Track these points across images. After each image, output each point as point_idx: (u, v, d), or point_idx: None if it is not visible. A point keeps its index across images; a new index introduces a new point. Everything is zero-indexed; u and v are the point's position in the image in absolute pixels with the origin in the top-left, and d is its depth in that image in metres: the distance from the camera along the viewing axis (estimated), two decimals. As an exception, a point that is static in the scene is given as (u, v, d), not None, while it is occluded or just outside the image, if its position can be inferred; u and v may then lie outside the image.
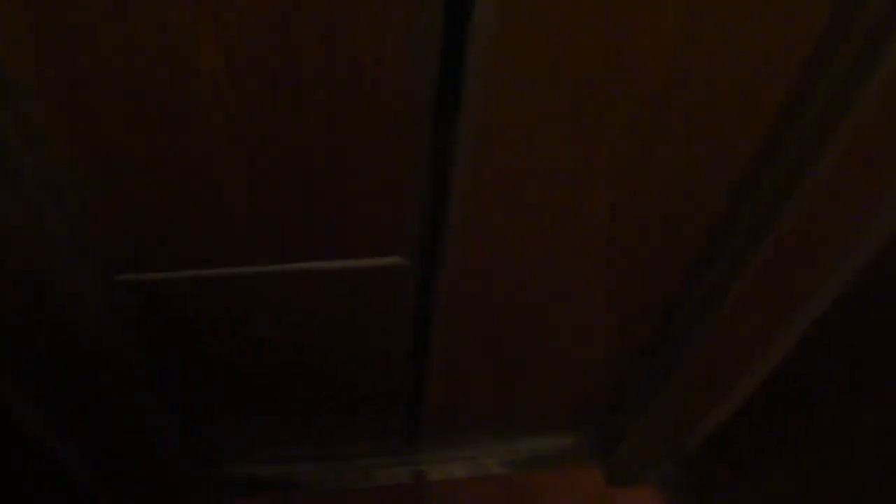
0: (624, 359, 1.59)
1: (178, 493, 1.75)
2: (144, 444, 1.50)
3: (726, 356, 1.41)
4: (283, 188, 0.99)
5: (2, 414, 1.23)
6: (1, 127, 0.83)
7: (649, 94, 0.91)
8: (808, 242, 1.11)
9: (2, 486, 1.30)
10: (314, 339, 1.36)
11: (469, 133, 0.93)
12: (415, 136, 0.94)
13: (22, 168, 0.88)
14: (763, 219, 1.08)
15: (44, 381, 1.24)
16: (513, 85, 0.88)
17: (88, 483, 1.54)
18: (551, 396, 1.75)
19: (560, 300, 1.34)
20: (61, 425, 1.36)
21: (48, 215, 0.95)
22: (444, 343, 1.39)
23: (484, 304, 1.31)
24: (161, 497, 1.75)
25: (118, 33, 0.77)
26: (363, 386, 1.57)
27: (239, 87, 0.83)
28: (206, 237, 1.06)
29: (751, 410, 1.57)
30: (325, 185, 0.99)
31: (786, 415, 1.47)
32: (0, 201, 0.89)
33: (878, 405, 1.23)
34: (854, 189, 1.00)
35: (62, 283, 1.04)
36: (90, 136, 0.88)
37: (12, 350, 1.15)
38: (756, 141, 1.01)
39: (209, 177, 0.95)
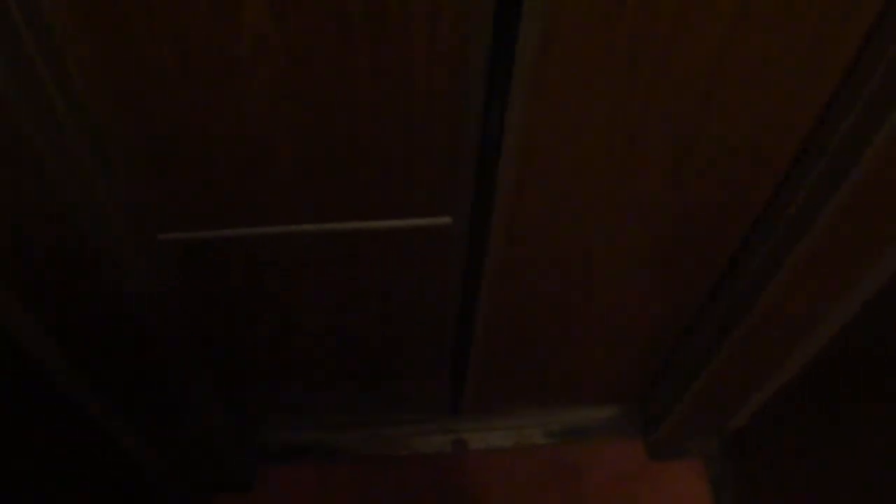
0: (670, 332, 1.57)
1: (220, 458, 1.76)
2: (186, 407, 1.50)
3: (774, 333, 1.39)
4: (330, 145, 0.97)
5: (43, 375, 1.23)
6: (42, 83, 0.81)
7: (705, 57, 0.88)
8: (864, 218, 1.08)
9: (47, 451, 1.30)
10: (359, 303, 1.35)
11: (522, 90, 0.91)
12: (467, 93, 0.92)
13: (65, 126, 0.86)
14: (819, 194, 1.05)
15: (86, 342, 1.23)
16: (568, 39, 0.85)
17: (131, 448, 1.55)
18: (595, 368, 1.73)
19: (607, 270, 1.32)
20: (104, 388, 1.36)
21: (92, 173, 0.94)
22: (490, 309, 1.37)
23: (531, 270, 1.29)
24: (203, 461, 1.75)
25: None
26: (407, 352, 1.56)
27: (285, 40, 0.82)
28: (250, 195, 1.05)
29: (797, 388, 1.55)
30: (373, 142, 0.97)
31: (833, 394, 1.45)
32: (44, 161, 0.88)
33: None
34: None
35: (106, 242, 1.03)
36: (133, 92, 0.86)
37: (56, 312, 1.15)
38: (815, 110, 0.98)
39: (254, 133, 0.93)
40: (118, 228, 1.03)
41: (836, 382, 1.42)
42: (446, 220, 1.13)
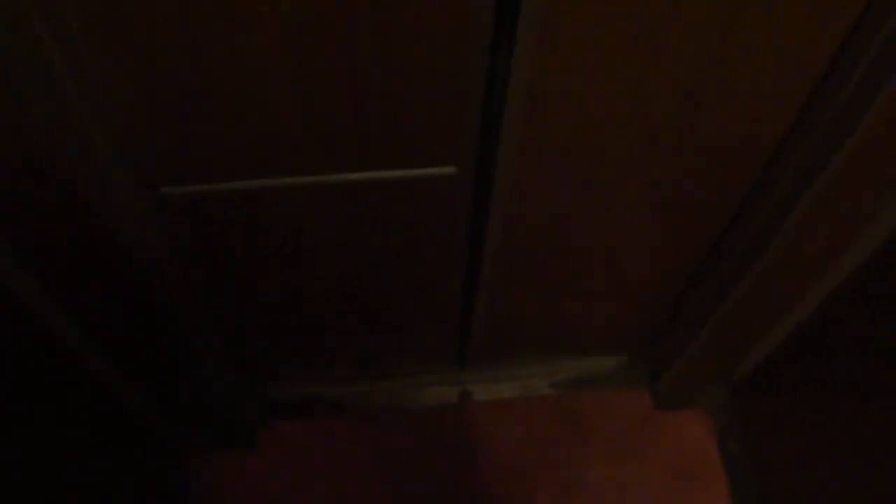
0: (677, 280, 1.57)
1: (224, 414, 1.76)
2: (190, 363, 1.50)
3: (782, 281, 1.38)
4: (334, 93, 0.95)
5: (47, 333, 1.23)
6: (38, 37, 0.80)
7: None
8: (880, 158, 1.07)
9: (47, 407, 1.30)
10: (365, 255, 1.34)
11: (529, 37, 0.89)
12: (472, 39, 0.90)
13: (65, 81, 0.85)
14: (829, 140, 1.04)
15: (88, 298, 1.23)
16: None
17: (133, 404, 1.55)
18: (601, 318, 1.73)
19: (614, 218, 1.31)
20: (107, 345, 1.35)
21: (90, 127, 0.92)
22: (496, 259, 1.37)
23: (536, 220, 1.28)
24: (209, 418, 1.76)
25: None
26: (413, 304, 1.56)
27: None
28: (253, 146, 1.03)
29: (803, 336, 1.55)
30: (378, 90, 0.95)
31: (840, 342, 1.45)
32: (41, 115, 0.86)
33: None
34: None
35: (106, 197, 1.02)
36: (130, 39, 0.84)
37: (57, 268, 1.14)
38: (831, 47, 0.96)
39: (257, 81, 0.92)
40: (119, 183, 1.02)
41: (844, 330, 1.42)
42: (451, 169, 1.11)
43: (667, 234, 1.38)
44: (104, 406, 1.47)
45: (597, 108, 1.03)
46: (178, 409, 1.70)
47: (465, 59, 0.93)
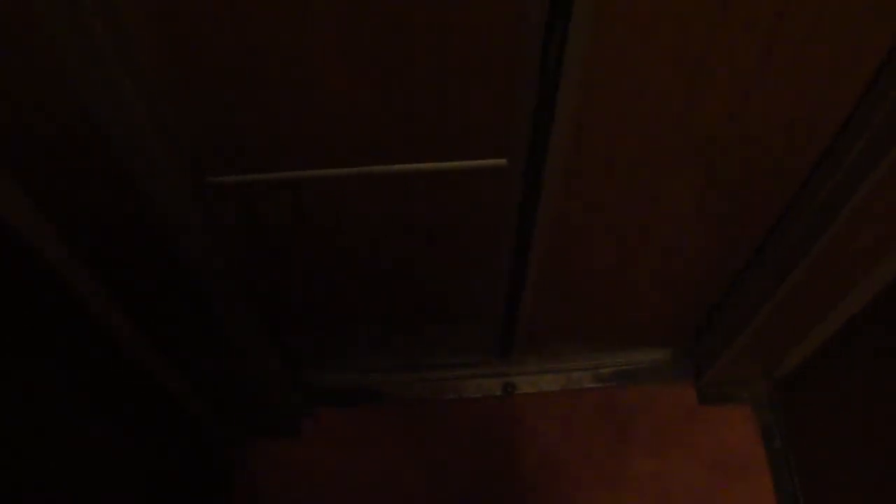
0: (725, 275, 1.55)
1: (268, 402, 1.78)
2: (235, 351, 1.51)
3: (828, 278, 1.37)
4: (386, 84, 0.95)
5: (100, 323, 1.24)
6: (91, 27, 0.80)
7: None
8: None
9: (96, 395, 1.32)
10: (412, 245, 1.34)
11: (581, 30, 0.88)
12: (525, 33, 0.89)
13: (112, 69, 0.85)
14: (879, 140, 1.02)
15: (137, 287, 1.24)
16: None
17: (178, 391, 1.56)
18: (646, 312, 1.72)
19: (661, 214, 1.30)
20: (155, 334, 1.37)
21: (139, 115, 0.93)
22: (544, 252, 1.36)
23: (586, 213, 1.27)
24: (251, 406, 1.77)
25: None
26: (460, 295, 1.55)
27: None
28: (302, 136, 1.03)
29: (849, 334, 1.53)
30: (430, 80, 0.95)
31: (885, 340, 1.43)
32: (92, 103, 0.87)
33: None
34: None
35: (154, 185, 1.03)
36: (180, 26, 0.85)
37: (105, 257, 1.15)
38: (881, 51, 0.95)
39: (308, 67, 0.91)
40: (167, 171, 1.03)
41: (891, 328, 1.40)
42: (502, 161, 1.11)
43: (715, 231, 1.36)
44: (150, 394, 1.49)
45: (645, 105, 1.02)
46: (223, 398, 1.71)
47: (517, 54, 0.92)
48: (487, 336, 1.79)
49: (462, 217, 1.26)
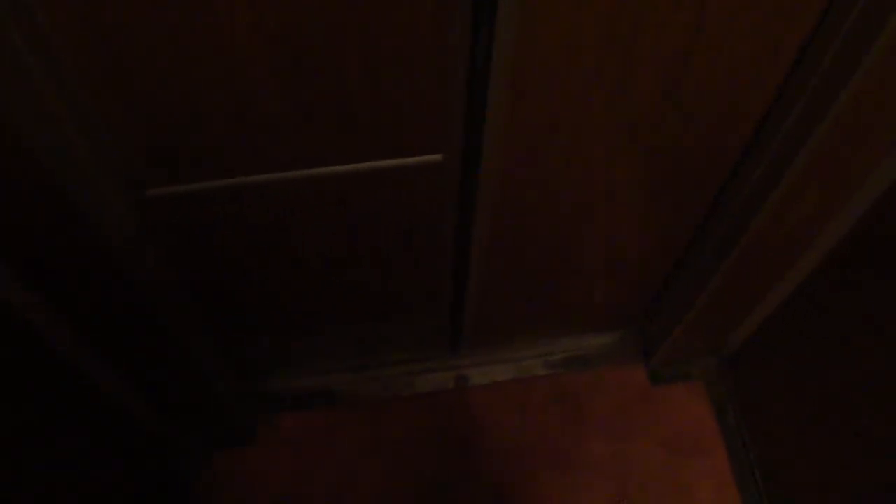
0: (668, 254, 1.57)
1: (221, 412, 1.76)
2: (186, 361, 1.49)
3: (770, 250, 1.38)
4: (317, 85, 0.94)
5: (36, 335, 1.22)
6: (15, 46, 0.79)
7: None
8: (861, 130, 1.07)
9: (43, 411, 1.30)
10: (353, 246, 1.33)
11: (509, 19, 0.88)
12: (453, 27, 0.90)
13: (44, 90, 0.84)
14: (818, 101, 1.04)
15: (79, 301, 1.22)
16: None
17: (129, 405, 1.54)
18: (593, 296, 1.73)
19: (602, 196, 1.31)
20: (101, 347, 1.35)
21: (74, 134, 0.92)
22: (486, 243, 1.36)
23: (525, 201, 1.27)
24: (205, 414, 1.75)
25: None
26: (405, 292, 1.55)
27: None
28: (237, 144, 1.03)
29: (794, 307, 1.55)
30: (359, 79, 0.95)
31: (829, 311, 1.45)
32: (23, 123, 0.85)
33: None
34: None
35: (94, 201, 1.01)
36: (108, 43, 0.84)
37: (48, 273, 1.13)
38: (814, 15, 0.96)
39: (238, 74, 0.91)
40: (104, 186, 1.01)
41: (835, 296, 1.42)
42: (437, 157, 1.11)
43: (656, 210, 1.38)
44: (102, 409, 1.47)
45: (577, 90, 1.02)
46: (178, 410, 1.69)
47: (446, 48, 0.92)
48: (437, 330, 1.79)
49: (403, 214, 1.25)
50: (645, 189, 1.30)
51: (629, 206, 1.35)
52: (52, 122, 0.89)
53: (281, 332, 1.67)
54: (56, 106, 0.88)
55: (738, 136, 1.18)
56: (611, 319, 1.89)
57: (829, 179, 1.19)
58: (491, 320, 1.74)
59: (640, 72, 1.01)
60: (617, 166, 1.22)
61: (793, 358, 1.62)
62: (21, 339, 1.17)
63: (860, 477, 1.41)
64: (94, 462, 1.47)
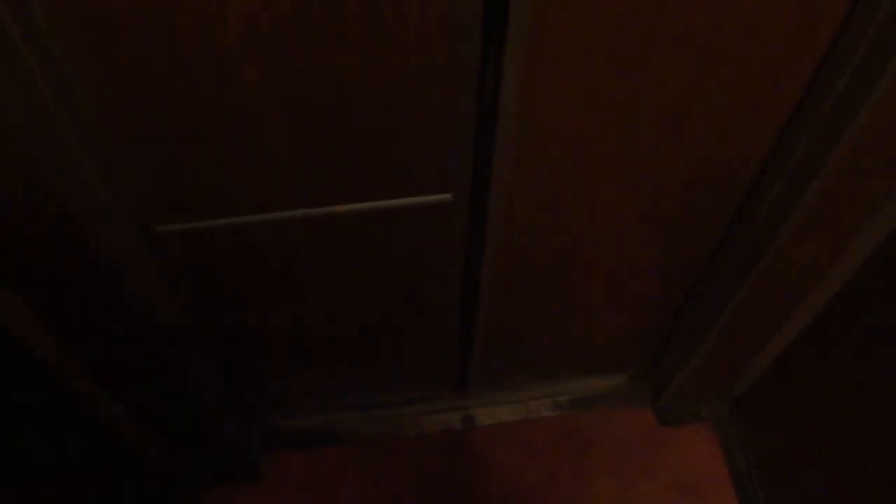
0: (674, 298, 1.57)
1: (228, 447, 1.75)
2: (189, 397, 1.49)
3: (777, 291, 1.38)
4: (326, 125, 0.95)
5: (44, 368, 1.22)
6: (36, 83, 0.80)
7: (704, 9, 0.87)
8: (862, 173, 1.08)
9: (46, 444, 1.29)
10: (361, 285, 1.33)
11: (516, 62, 0.89)
12: (461, 69, 0.90)
13: (57, 123, 0.85)
14: (822, 143, 1.04)
15: (87, 335, 1.22)
16: (560, 7, 0.84)
17: (134, 440, 1.54)
18: (601, 337, 1.72)
19: (610, 236, 1.31)
20: (105, 381, 1.34)
21: (88, 171, 0.92)
22: (494, 282, 1.36)
23: (533, 241, 1.28)
24: (207, 450, 1.75)
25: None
26: (413, 331, 1.55)
27: (274, 19, 0.80)
28: (247, 183, 1.03)
29: (802, 348, 1.54)
30: (369, 120, 0.95)
31: (838, 350, 1.44)
32: (40, 158, 0.86)
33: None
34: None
35: (105, 238, 1.02)
36: (123, 81, 0.85)
37: (56, 307, 1.13)
38: (816, 56, 0.97)
39: (248, 117, 0.92)
40: (115, 222, 1.01)
41: (843, 336, 1.42)
42: (447, 196, 1.11)
43: (663, 252, 1.38)
44: (106, 444, 1.46)
45: (586, 128, 1.03)
46: (181, 445, 1.68)
47: (455, 89, 0.93)
48: (444, 370, 1.79)
49: (411, 252, 1.25)
50: (653, 231, 1.30)
51: (637, 248, 1.35)
52: (79, 172, 0.90)
53: (287, 370, 1.67)
54: (76, 151, 0.89)
55: (746, 170, 1.19)
56: (618, 361, 1.89)
57: (834, 222, 1.19)
58: (499, 360, 1.73)
59: (647, 109, 1.01)
60: (625, 204, 1.22)
61: (802, 400, 1.61)
62: (23, 367, 1.17)
63: (872, 523, 1.39)
64: (96, 492, 1.46)
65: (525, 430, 1.90)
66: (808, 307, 1.45)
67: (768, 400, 1.76)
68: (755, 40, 0.92)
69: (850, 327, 1.39)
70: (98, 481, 1.45)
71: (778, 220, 1.18)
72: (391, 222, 1.16)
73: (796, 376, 1.61)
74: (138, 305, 1.17)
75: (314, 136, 0.96)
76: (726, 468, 1.86)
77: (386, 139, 0.99)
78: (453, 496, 1.83)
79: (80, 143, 0.88)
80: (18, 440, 1.20)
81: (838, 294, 1.38)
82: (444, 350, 1.66)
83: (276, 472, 1.85)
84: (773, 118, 1.06)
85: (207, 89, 0.87)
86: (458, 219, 1.18)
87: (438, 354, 1.68)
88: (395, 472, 1.85)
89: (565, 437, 1.89)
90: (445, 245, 1.25)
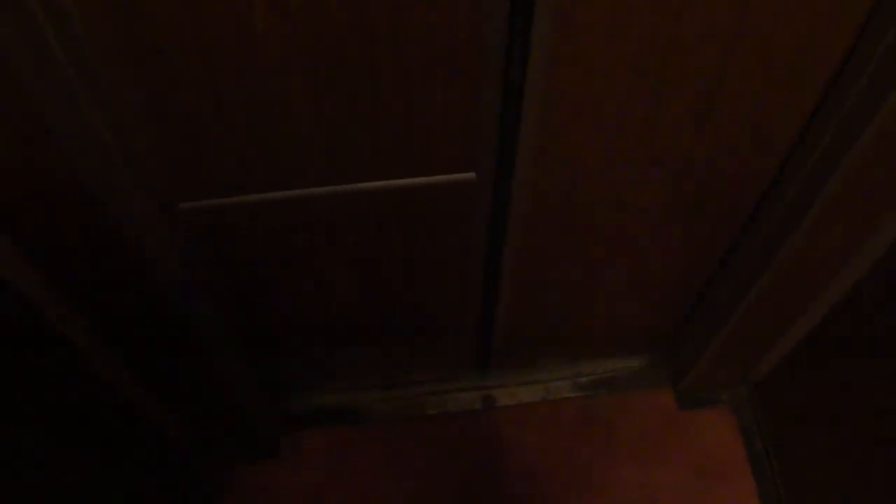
0: (697, 280, 1.56)
1: (249, 425, 1.76)
2: (211, 376, 1.50)
3: (800, 277, 1.38)
4: (351, 102, 0.95)
5: (68, 347, 1.23)
6: (59, 63, 0.80)
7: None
8: (887, 164, 1.07)
9: (68, 422, 1.30)
10: (385, 263, 1.33)
11: (545, 35, 0.89)
12: (488, 47, 0.90)
13: (81, 103, 0.85)
14: (846, 135, 1.03)
15: (111, 313, 1.23)
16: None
17: (155, 417, 1.55)
18: (622, 319, 1.72)
19: (634, 218, 1.30)
20: (128, 357, 1.35)
21: (112, 147, 0.92)
22: (516, 263, 1.36)
23: (556, 220, 1.27)
24: (229, 428, 1.76)
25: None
26: (434, 310, 1.55)
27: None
28: (271, 158, 1.03)
29: (824, 333, 1.54)
30: (395, 98, 0.95)
31: (861, 337, 1.43)
32: (63, 137, 0.86)
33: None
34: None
35: (128, 214, 1.02)
36: (147, 60, 0.85)
37: (80, 285, 1.14)
38: (842, 47, 0.96)
39: (270, 91, 0.92)
40: (138, 199, 1.02)
41: (866, 323, 1.41)
42: (470, 175, 1.11)
43: (686, 234, 1.37)
44: (129, 422, 1.47)
45: (614, 104, 1.02)
46: (203, 423, 1.70)
47: (481, 67, 0.93)
48: (465, 350, 1.79)
49: (434, 231, 1.25)
50: (676, 213, 1.30)
51: (657, 232, 1.35)
52: (102, 149, 0.91)
53: (308, 348, 1.67)
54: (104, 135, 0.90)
55: (768, 161, 1.18)
56: (639, 343, 1.88)
57: (856, 210, 1.18)
58: (520, 340, 1.73)
59: (672, 90, 1.01)
60: (648, 189, 1.22)
61: (822, 384, 1.60)
62: (49, 344, 1.18)
63: (891, 507, 1.39)
64: (120, 470, 1.47)
65: (545, 410, 1.90)
66: (832, 293, 1.45)
67: (788, 386, 1.76)
68: (788, 22, 0.91)
69: (874, 315, 1.38)
70: (120, 458, 1.46)
71: (803, 207, 1.18)
72: (413, 201, 1.16)
73: (816, 361, 1.60)
74: (162, 283, 1.17)
75: (338, 112, 0.96)
76: (745, 451, 1.85)
77: (411, 117, 0.99)
78: (472, 476, 1.83)
79: (102, 121, 0.89)
80: (42, 420, 1.21)
81: (863, 280, 1.37)
82: (465, 330, 1.66)
83: (296, 450, 1.86)
84: (799, 106, 1.06)
85: (230, 65, 0.87)
86: (482, 198, 1.18)
87: (460, 334, 1.69)
88: (415, 450, 1.86)
89: (586, 419, 1.89)
90: (468, 224, 1.24)
